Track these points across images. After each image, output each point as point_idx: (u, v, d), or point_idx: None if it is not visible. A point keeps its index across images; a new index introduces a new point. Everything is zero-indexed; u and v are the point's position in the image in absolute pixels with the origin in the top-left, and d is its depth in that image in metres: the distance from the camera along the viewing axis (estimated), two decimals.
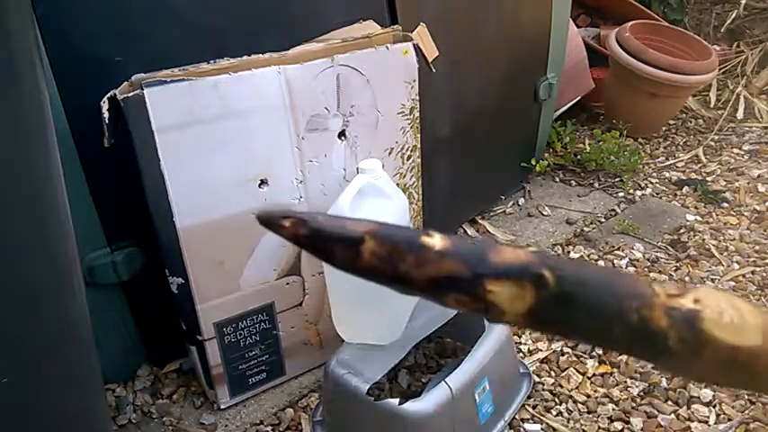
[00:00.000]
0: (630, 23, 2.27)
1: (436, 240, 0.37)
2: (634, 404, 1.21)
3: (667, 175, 2.08)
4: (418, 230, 0.38)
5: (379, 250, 0.36)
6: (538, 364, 1.31)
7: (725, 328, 0.37)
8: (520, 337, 1.38)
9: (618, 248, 1.68)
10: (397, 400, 1.02)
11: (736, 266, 1.59)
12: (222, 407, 1.23)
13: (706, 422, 1.16)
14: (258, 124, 1.05)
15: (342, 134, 1.14)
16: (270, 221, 0.35)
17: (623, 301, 0.37)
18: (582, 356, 1.33)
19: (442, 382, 1.05)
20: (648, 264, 1.62)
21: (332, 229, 0.36)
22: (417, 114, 1.22)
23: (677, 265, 1.61)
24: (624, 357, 1.30)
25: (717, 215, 1.83)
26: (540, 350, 1.35)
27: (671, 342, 0.37)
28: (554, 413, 1.21)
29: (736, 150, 2.23)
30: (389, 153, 1.22)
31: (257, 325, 1.19)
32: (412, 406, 1.02)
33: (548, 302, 0.37)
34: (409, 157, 1.25)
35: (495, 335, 1.14)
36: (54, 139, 0.68)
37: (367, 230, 0.36)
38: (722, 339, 0.37)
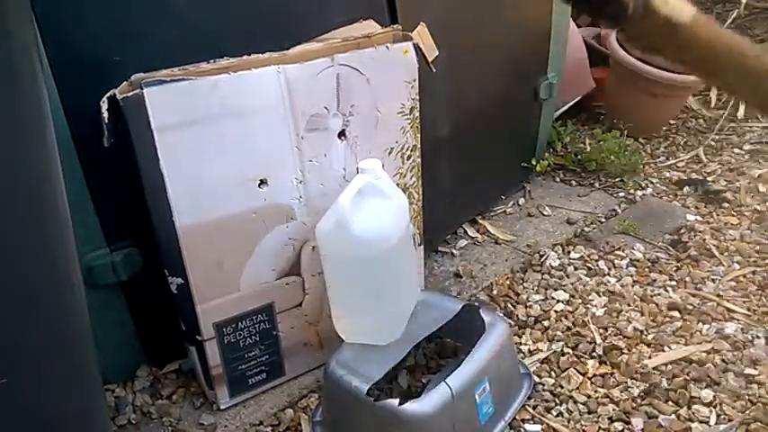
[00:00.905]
0: None
1: None
2: (634, 404, 1.20)
3: (668, 174, 2.08)
4: None
5: None
6: (538, 364, 1.31)
7: (665, 6, 0.70)
8: (520, 337, 1.38)
9: (618, 248, 1.68)
10: (396, 401, 1.02)
11: (737, 267, 1.59)
12: (222, 407, 1.22)
13: (707, 422, 1.16)
14: (258, 124, 1.05)
15: (342, 134, 1.14)
16: None
17: None
18: (582, 357, 1.32)
19: (443, 382, 1.05)
20: (649, 264, 1.62)
21: None
22: (417, 114, 1.22)
23: (678, 265, 1.61)
24: (625, 358, 1.30)
25: (717, 215, 1.83)
26: (541, 350, 1.35)
27: (630, 9, 0.71)
28: (554, 413, 1.20)
29: (736, 150, 2.23)
30: (389, 153, 1.22)
31: (257, 325, 1.19)
32: (412, 406, 1.02)
33: None
34: (409, 157, 1.25)
35: (495, 335, 1.14)
36: (53, 138, 0.68)
37: None
38: (661, 11, 0.70)
